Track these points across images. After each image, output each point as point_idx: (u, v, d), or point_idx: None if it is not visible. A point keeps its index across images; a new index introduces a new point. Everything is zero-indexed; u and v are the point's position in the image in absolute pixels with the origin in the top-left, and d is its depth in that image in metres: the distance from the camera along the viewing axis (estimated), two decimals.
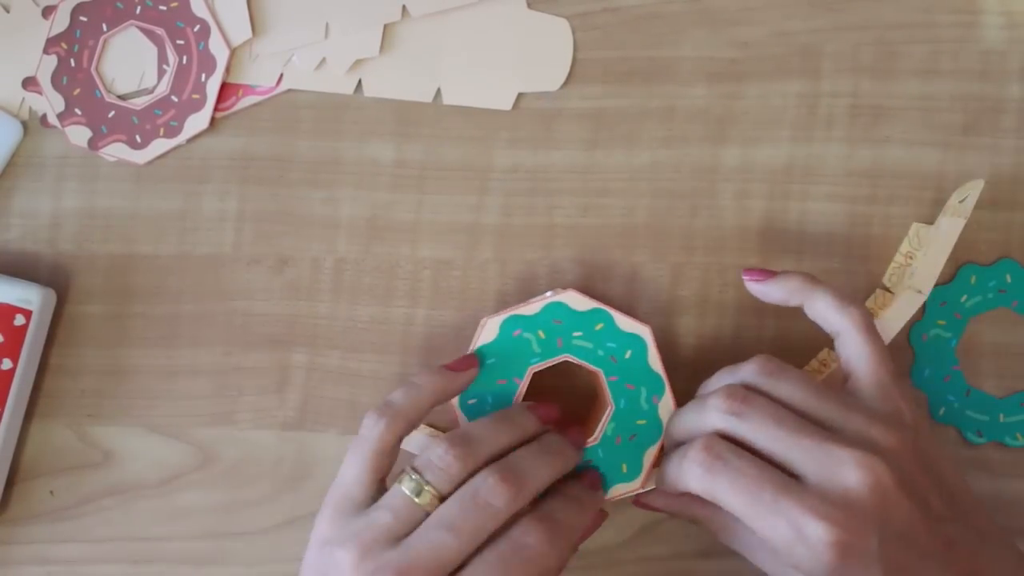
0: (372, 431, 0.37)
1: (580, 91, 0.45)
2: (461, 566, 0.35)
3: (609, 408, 0.40)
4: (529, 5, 0.45)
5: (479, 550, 0.35)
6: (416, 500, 0.36)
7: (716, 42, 0.45)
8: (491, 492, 0.35)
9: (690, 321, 0.44)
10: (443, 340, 0.45)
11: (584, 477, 0.40)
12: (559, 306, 0.40)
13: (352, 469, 0.37)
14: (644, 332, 0.40)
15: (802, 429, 0.36)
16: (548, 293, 0.41)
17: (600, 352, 0.40)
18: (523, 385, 0.40)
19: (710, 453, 0.36)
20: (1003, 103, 0.45)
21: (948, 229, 0.42)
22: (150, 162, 0.45)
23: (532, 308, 0.40)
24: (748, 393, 0.37)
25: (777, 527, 0.34)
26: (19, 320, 0.42)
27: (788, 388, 0.37)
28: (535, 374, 0.40)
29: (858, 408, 0.37)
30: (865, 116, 0.45)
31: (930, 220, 0.45)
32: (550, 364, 0.40)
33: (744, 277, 0.42)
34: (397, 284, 0.45)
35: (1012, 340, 0.45)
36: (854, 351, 0.38)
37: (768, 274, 0.41)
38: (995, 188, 0.45)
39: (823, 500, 0.34)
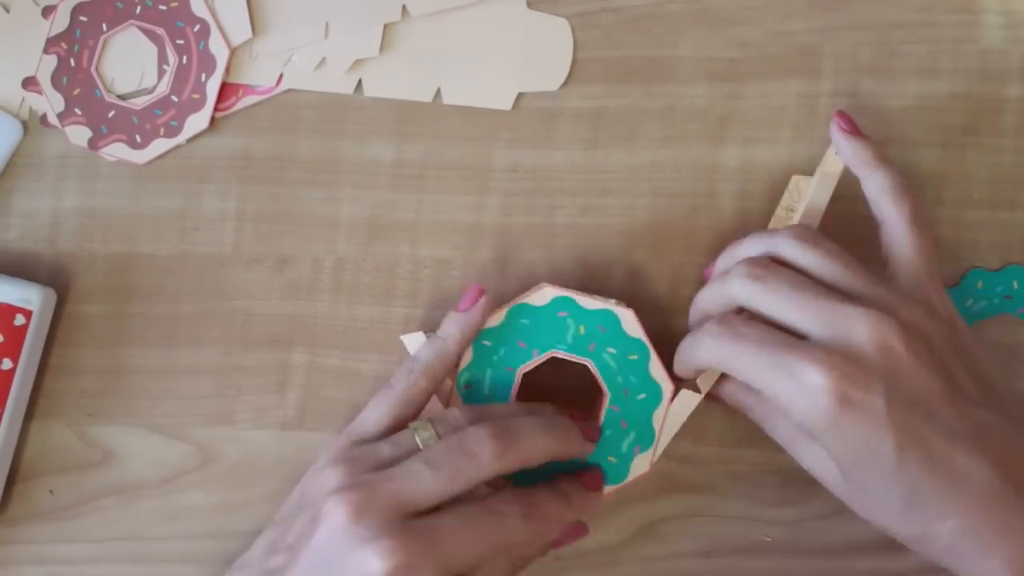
0: (399, 383, 0.39)
1: (580, 91, 0.45)
2: (435, 511, 0.35)
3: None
4: (529, 5, 0.45)
5: (454, 503, 0.36)
6: (419, 444, 0.37)
7: (716, 42, 0.45)
8: (478, 442, 0.36)
9: None
10: None
11: (583, 476, 0.40)
12: (613, 319, 0.40)
13: (373, 415, 0.39)
14: (666, 388, 0.40)
15: (820, 293, 0.36)
16: (612, 301, 0.41)
17: (619, 379, 0.40)
18: (536, 361, 0.40)
19: (721, 323, 0.37)
20: (1003, 103, 0.45)
21: (824, 181, 0.41)
22: (150, 162, 0.45)
23: (590, 304, 0.40)
24: (770, 262, 0.37)
25: (778, 380, 0.34)
26: (19, 320, 0.42)
27: (817, 257, 0.37)
28: (537, 366, 0.40)
29: (886, 285, 0.37)
30: (865, 116, 0.45)
31: (932, 220, 0.45)
32: (572, 360, 0.40)
33: (834, 117, 0.41)
34: (397, 284, 0.45)
35: (1015, 346, 0.45)
36: (897, 240, 0.38)
37: (855, 130, 0.41)
38: (995, 188, 0.45)
39: (826, 351, 0.34)
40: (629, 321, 0.40)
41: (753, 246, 0.39)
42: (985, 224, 0.45)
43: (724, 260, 0.41)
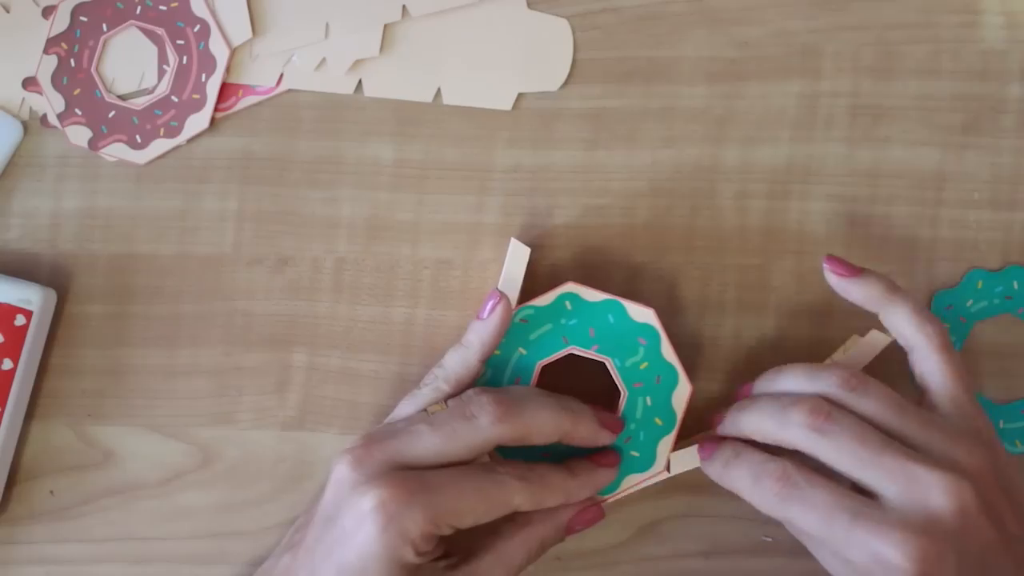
0: (426, 387, 0.40)
1: (580, 91, 0.45)
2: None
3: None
4: (529, 5, 0.45)
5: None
6: (428, 412, 0.38)
7: (716, 42, 0.45)
8: (479, 407, 0.37)
9: (690, 321, 0.44)
10: (443, 340, 0.45)
11: (595, 455, 0.40)
12: (654, 336, 0.40)
13: (402, 411, 0.40)
14: (680, 414, 0.40)
15: (885, 448, 0.35)
16: (655, 319, 0.40)
17: (639, 395, 0.40)
18: (555, 356, 0.41)
19: (786, 482, 0.36)
20: (1003, 103, 0.45)
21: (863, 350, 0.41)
22: (150, 162, 0.45)
23: (637, 314, 0.40)
24: (832, 409, 0.36)
25: (853, 552, 0.34)
26: (19, 320, 0.42)
27: (871, 404, 0.36)
28: (557, 360, 0.41)
29: (939, 426, 0.36)
30: (865, 116, 0.45)
31: (931, 219, 0.45)
32: (590, 357, 0.41)
33: (825, 265, 0.40)
34: (397, 284, 0.45)
35: (1015, 346, 0.45)
36: (930, 368, 0.38)
37: (852, 271, 0.39)
38: (995, 188, 0.45)
39: (903, 525, 0.33)
40: (667, 347, 0.40)
41: (796, 382, 0.38)
42: (985, 224, 0.45)
43: (763, 385, 0.40)
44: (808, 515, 0.35)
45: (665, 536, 0.44)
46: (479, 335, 0.40)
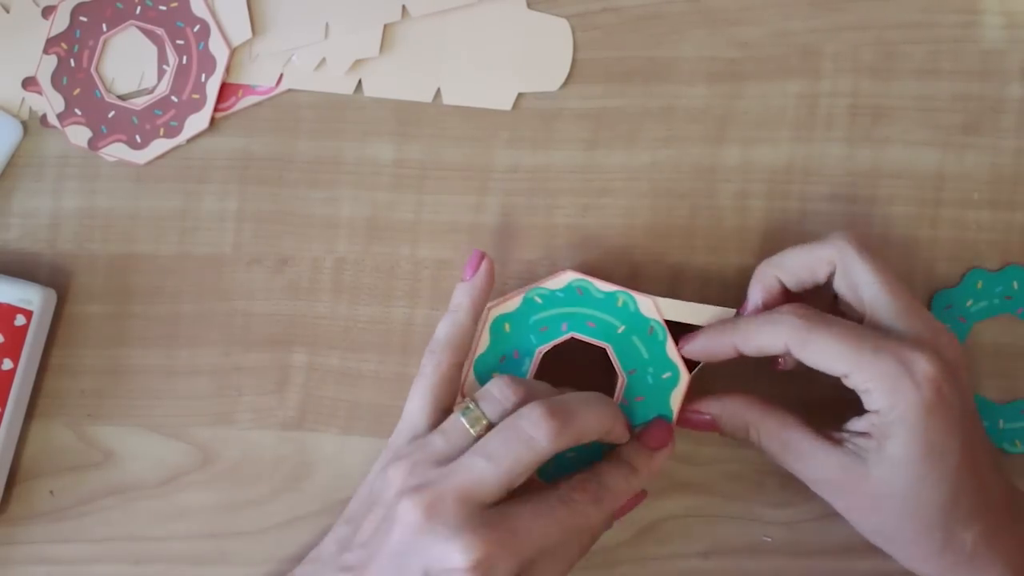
0: (427, 367, 0.39)
1: (580, 91, 0.45)
2: (504, 502, 0.35)
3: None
4: (529, 5, 0.45)
5: (525, 493, 0.36)
6: (470, 429, 0.37)
7: (716, 42, 0.45)
8: (533, 424, 0.36)
9: None
10: None
11: (644, 437, 0.40)
12: (629, 300, 0.41)
13: (414, 404, 0.39)
14: (683, 370, 0.40)
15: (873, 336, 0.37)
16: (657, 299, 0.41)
17: (636, 360, 0.40)
18: (555, 341, 0.40)
19: (807, 309, 0.38)
20: (1003, 103, 0.45)
21: None
22: (150, 162, 0.45)
23: (646, 309, 0.40)
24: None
25: (882, 363, 0.36)
26: (19, 320, 0.42)
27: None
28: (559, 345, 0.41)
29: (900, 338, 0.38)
30: (865, 116, 0.45)
31: (931, 219, 0.45)
32: (591, 343, 0.40)
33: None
34: (397, 284, 0.45)
35: (1015, 346, 0.45)
36: (858, 279, 0.38)
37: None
38: (995, 188, 0.45)
39: (928, 344, 0.36)
40: (646, 304, 0.40)
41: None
42: (985, 224, 0.45)
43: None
44: (837, 333, 0.37)
45: (665, 536, 0.44)
46: (469, 296, 0.40)
